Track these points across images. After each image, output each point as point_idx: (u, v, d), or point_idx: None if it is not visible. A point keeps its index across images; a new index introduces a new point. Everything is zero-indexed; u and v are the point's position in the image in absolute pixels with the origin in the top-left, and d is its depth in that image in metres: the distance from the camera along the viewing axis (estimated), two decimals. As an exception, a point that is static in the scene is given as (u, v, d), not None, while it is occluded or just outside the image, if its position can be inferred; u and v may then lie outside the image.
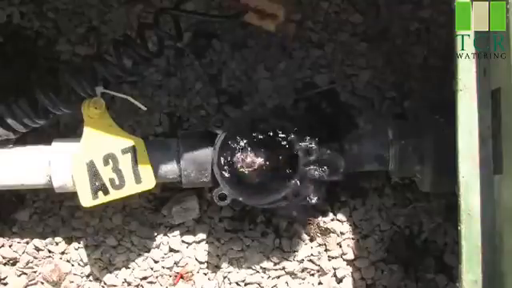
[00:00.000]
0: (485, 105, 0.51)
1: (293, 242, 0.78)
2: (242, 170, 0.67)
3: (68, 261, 0.79)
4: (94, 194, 0.67)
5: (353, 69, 0.81)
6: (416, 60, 0.81)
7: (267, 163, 0.66)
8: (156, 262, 0.79)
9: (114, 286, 0.79)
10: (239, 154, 0.66)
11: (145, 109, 0.70)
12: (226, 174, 0.66)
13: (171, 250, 0.79)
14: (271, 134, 0.66)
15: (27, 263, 0.79)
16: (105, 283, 0.79)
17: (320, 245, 0.78)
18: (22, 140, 0.71)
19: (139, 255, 0.79)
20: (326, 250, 0.78)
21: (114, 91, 0.69)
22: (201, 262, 0.78)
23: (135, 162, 0.68)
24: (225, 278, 0.78)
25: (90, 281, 0.79)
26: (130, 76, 0.72)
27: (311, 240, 0.78)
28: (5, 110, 0.68)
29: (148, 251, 0.79)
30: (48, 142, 0.70)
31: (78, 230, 0.79)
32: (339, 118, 0.78)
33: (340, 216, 0.79)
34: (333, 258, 0.78)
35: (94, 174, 0.67)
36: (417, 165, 0.68)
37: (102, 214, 0.79)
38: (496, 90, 0.50)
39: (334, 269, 0.78)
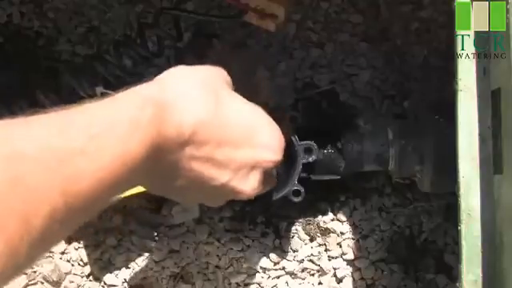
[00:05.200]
0: (485, 105, 0.51)
1: (293, 242, 0.78)
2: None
3: (68, 261, 0.79)
4: (94, 194, 0.67)
5: (353, 69, 0.81)
6: (416, 60, 0.81)
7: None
8: (156, 262, 0.79)
9: (114, 285, 0.79)
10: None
11: (145, 109, 0.70)
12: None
13: (171, 250, 0.79)
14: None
15: (27, 263, 0.79)
16: (105, 283, 0.79)
17: (320, 245, 0.78)
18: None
19: (139, 255, 0.79)
20: (326, 250, 0.78)
21: (114, 91, 0.69)
22: (201, 262, 0.78)
23: (135, 161, 0.67)
24: (225, 278, 0.78)
25: (90, 281, 0.79)
26: (130, 76, 0.72)
27: (311, 240, 0.78)
28: (5, 110, 0.68)
29: (148, 251, 0.79)
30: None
31: (77, 230, 0.79)
32: (339, 118, 0.78)
33: (340, 216, 0.79)
34: (333, 258, 0.78)
35: (94, 173, 0.67)
36: (417, 165, 0.68)
37: (102, 214, 0.79)
38: (496, 90, 0.50)
39: (334, 269, 0.78)
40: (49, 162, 0.30)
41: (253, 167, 0.47)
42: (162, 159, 0.39)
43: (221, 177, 0.45)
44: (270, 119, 0.49)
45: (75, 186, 0.31)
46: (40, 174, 0.29)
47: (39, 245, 0.30)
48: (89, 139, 0.33)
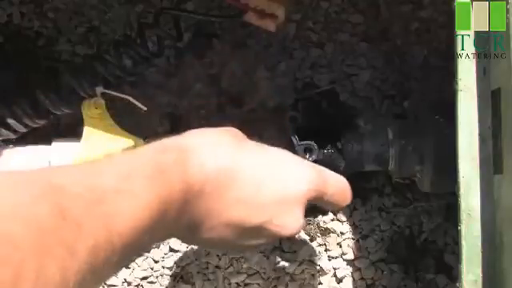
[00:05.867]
0: (485, 105, 0.51)
1: (293, 242, 0.78)
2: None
3: (68, 261, 0.79)
4: (94, 194, 0.67)
5: (353, 69, 0.81)
6: (416, 60, 0.81)
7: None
8: (156, 261, 0.79)
9: (114, 285, 0.79)
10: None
11: (145, 109, 0.71)
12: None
13: (171, 249, 0.79)
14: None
15: (27, 263, 0.79)
16: (105, 283, 0.79)
17: (320, 245, 0.78)
18: (21, 140, 0.71)
19: (139, 255, 0.79)
20: (326, 250, 0.78)
21: (114, 91, 0.69)
22: (201, 262, 0.78)
23: (135, 161, 0.67)
24: (225, 278, 0.78)
25: (90, 281, 0.79)
26: (130, 76, 0.72)
27: (311, 240, 0.78)
28: (5, 110, 0.68)
29: (148, 251, 0.79)
30: (48, 142, 0.70)
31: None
32: (339, 118, 0.78)
33: (340, 216, 0.79)
34: (333, 257, 0.78)
35: (94, 173, 0.67)
36: (417, 165, 0.68)
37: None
38: (496, 90, 0.50)
39: (334, 269, 0.78)
40: (88, 198, 0.31)
41: (290, 202, 0.46)
42: (190, 202, 0.40)
43: (257, 216, 0.44)
44: (295, 155, 0.50)
45: (115, 222, 0.32)
46: (82, 208, 0.30)
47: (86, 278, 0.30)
48: (121, 179, 0.34)
